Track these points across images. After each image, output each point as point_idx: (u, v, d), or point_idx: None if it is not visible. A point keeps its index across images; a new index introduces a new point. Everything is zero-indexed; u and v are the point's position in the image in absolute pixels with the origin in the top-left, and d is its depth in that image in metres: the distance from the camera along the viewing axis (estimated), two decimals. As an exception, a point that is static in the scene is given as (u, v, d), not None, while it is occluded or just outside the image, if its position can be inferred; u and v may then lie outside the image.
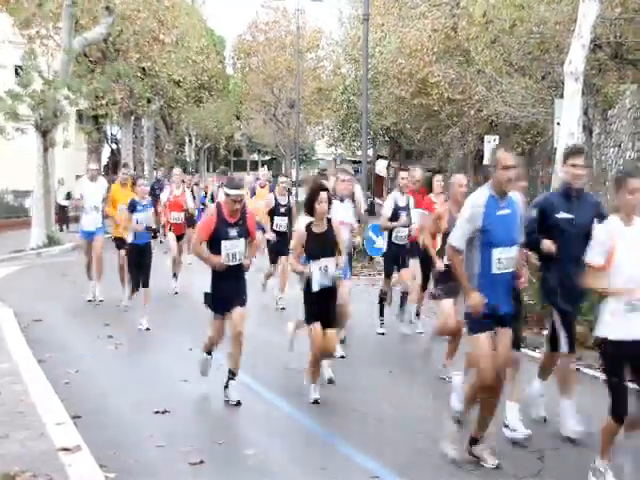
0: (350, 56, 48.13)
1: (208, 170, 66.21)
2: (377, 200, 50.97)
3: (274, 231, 12.51)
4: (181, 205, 14.48)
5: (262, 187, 16.06)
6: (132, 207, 11.30)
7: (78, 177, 22.63)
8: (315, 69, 55.62)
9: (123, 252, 12.42)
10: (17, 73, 24.82)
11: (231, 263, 7.25)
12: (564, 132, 12.53)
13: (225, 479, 5.52)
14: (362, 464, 5.78)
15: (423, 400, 7.56)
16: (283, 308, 12.39)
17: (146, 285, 11.26)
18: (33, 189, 23.98)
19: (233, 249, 7.25)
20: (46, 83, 22.24)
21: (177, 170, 15.60)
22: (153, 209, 11.68)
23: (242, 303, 7.41)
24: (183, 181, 15.59)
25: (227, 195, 7.29)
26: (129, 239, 11.36)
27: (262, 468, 5.69)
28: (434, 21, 33.31)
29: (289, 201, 12.92)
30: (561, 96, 14.94)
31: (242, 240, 7.31)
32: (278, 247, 12.54)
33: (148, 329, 10.64)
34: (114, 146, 42.35)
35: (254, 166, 76.00)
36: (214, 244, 7.26)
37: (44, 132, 22.74)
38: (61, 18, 24.08)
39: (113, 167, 39.75)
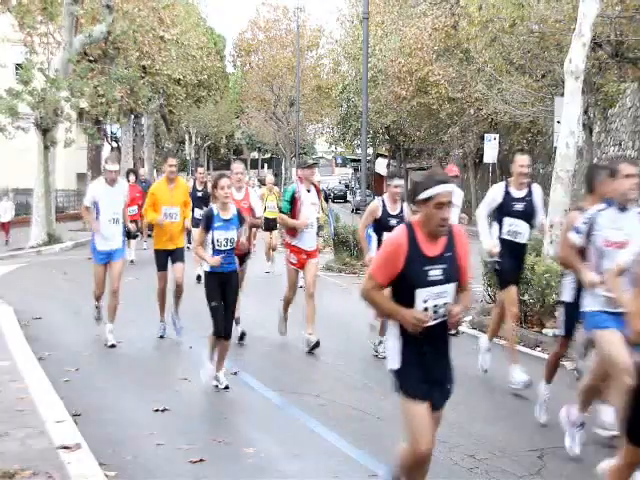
0: (349, 54, 48.19)
1: (208, 168, 66.20)
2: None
3: None
4: (247, 213, 9.71)
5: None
6: (208, 222, 7.70)
7: (79, 175, 22.53)
8: (315, 67, 55.65)
9: (163, 275, 10.09)
10: (17, 71, 24.82)
11: (432, 322, 4.26)
12: (564, 131, 12.54)
13: (225, 477, 5.52)
14: (362, 462, 5.79)
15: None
16: (376, 355, 9.25)
17: (228, 334, 7.84)
18: (34, 187, 24.00)
19: (437, 300, 4.26)
20: (49, 81, 22.25)
21: (238, 165, 10.03)
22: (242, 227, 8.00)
23: (446, 396, 4.46)
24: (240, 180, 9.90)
25: (422, 201, 4.21)
26: (204, 265, 7.92)
27: (262, 466, 5.69)
28: (434, 20, 33.37)
29: (402, 210, 9.02)
30: (561, 95, 14.96)
31: (451, 285, 4.31)
32: None
33: (227, 387, 7.75)
34: (114, 144, 42.35)
35: (254, 164, 76.10)
36: (402, 291, 4.29)
37: (44, 130, 22.75)
38: (62, 17, 24.11)
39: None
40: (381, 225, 8.94)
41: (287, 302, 9.90)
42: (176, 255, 10.12)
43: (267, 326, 10.78)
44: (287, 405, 7.22)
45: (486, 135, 32.25)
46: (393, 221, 8.81)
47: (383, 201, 9.09)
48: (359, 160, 35.40)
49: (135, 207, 16.70)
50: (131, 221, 16.10)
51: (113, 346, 9.56)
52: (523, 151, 7.57)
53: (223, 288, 7.78)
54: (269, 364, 8.85)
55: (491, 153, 31.85)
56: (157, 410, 6.92)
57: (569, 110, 12.49)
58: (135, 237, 17.83)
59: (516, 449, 6.06)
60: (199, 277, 12.58)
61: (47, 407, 6.48)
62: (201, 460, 5.71)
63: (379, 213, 9.01)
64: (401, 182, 9.26)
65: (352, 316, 11.55)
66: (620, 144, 29.63)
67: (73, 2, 23.43)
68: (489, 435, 6.42)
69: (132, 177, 18.17)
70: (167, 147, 50.19)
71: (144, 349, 9.67)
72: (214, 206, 7.78)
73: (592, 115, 25.01)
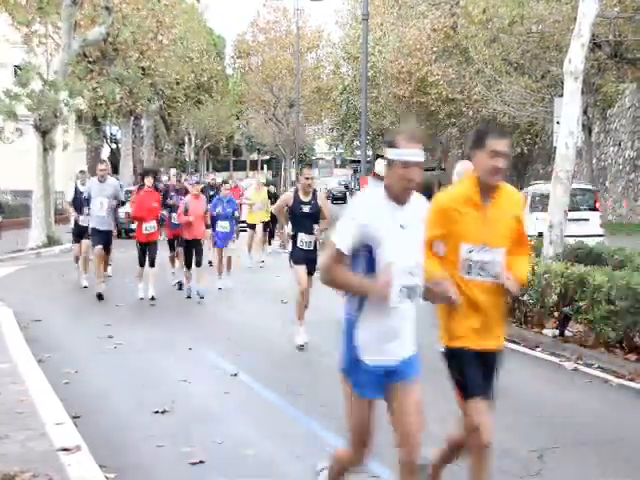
0: (349, 54, 48.25)
1: (207, 169, 66.22)
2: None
3: None
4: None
5: None
6: None
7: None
8: (315, 69, 55.70)
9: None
10: (16, 73, 24.83)
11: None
12: (564, 131, 12.54)
13: (225, 479, 5.52)
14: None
15: (423, 399, 7.54)
16: None
17: None
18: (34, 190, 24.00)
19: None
20: (46, 84, 22.23)
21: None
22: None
23: None
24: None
25: None
26: None
27: (262, 468, 5.68)
28: (433, 20, 33.40)
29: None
30: (560, 95, 14.95)
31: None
32: None
33: None
34: (113, 146, 42.37)
35: (254, 166, 76.07)
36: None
37: (43, 132, 22.74)
38: (60, 18, 24.09)
39: (113, 168, 39.69)
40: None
41: None
42: None
43: (267, 326, 10.78)
44: (287, 406, 7.21)
45: (486, 135, 32.20)
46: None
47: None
48: (358, 161, 35.42)
49: (153, 223, 13.33)
50: (145, 243, 13.21)
51: None
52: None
53: None
54: (269, 365, 8.84)
55: (491, 154, 31.77)
56: (157, 412, 6.91)
57: (568, 110, 12.49)
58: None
59: (516, 449, 6.05)
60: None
61: (47, 409, 6.48)
62: (201, 462, 5.70)
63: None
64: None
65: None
66: (619, 144, 29.64)
67: (72, 4, 23.42)
68: (489, 436, 6.40)
69: (149, 181, 13.47)
70: (167, 149, 50.20)
71: (144, 351, 9.67)
72: None
73: (591, 115, 25.05)
